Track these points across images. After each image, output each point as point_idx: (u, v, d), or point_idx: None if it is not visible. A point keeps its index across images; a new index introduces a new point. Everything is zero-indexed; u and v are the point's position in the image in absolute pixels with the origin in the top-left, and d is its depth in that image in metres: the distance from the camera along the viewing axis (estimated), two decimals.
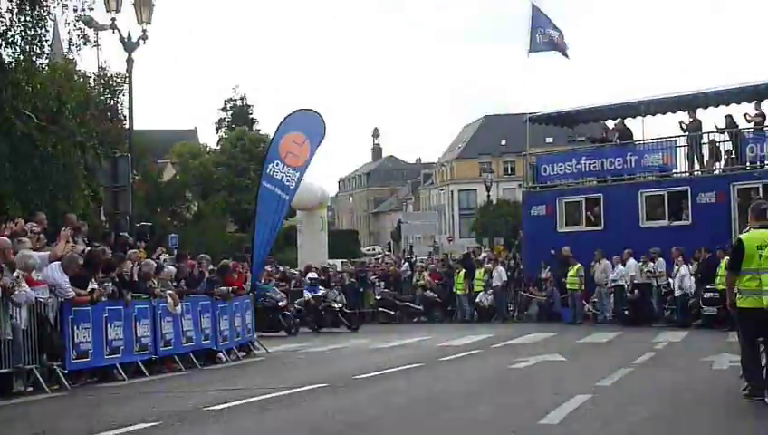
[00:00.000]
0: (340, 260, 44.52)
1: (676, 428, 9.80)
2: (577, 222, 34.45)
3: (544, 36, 34.83)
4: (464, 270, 34.85)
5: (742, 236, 11.62)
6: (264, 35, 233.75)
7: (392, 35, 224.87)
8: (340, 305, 30.84)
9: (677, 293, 27.81)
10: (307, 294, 31.21)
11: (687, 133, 32.27)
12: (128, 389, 14.90)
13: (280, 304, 28.56)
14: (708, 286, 26.36)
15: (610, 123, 36.26)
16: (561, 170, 35.49)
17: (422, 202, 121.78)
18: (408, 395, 13.22)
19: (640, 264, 29.00)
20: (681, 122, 32.75)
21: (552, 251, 31.69)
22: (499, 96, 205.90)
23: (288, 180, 23.25)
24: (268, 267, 36.46)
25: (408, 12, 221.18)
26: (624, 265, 29.60)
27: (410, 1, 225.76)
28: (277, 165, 23.18)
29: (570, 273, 30.73)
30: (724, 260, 20.14)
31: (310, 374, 16.29)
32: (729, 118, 31.65)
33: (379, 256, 56.74)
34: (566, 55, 35.25)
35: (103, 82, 32.84)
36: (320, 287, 31.54)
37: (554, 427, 9.83)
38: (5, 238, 14.76)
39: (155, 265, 19.01)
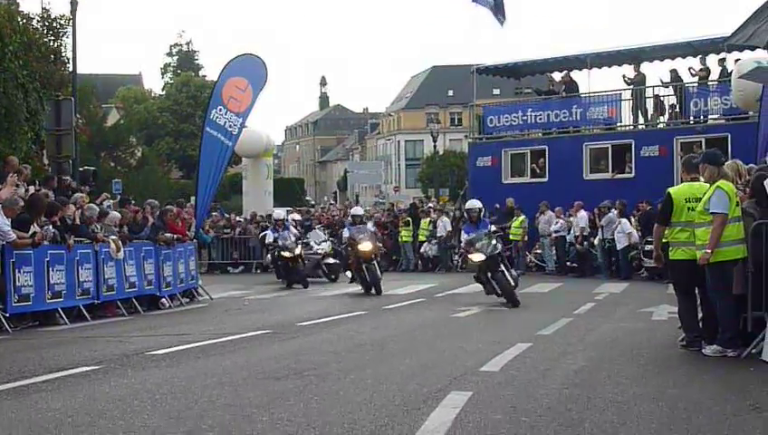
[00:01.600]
0: (285, 208, 44.41)
1: (612, 376, 9.97)
2: (522, 174, 34.70)
3: None
4: (409, 220, 34.98)
5: (670, 190, 11.78)
6: None
7: None
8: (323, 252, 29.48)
9: (619, 246, 28.14)
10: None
11: (632, 87, 32.52)
12: (69, 333, 14.82)
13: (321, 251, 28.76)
14: (649, 239, 26.69)
15: (557, 76, 36.43)
16: (506, 122, 35.67)
17: (368, 152, 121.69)
18: (350, 342, 13.30)
19: (590, 215, 29.23)
20: (624, 76, 32.98)
21: (497, 205, 31.87)
22: (448, 47, 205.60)
23: (231, 126, 23.15)
24: (215, 214, 36.40)
25: None
26: (573, 216, 29.88)
27: None
28: (220, 110, 23.06)
29: (514, 224, 30.95)
30: None
31: (253, 321, 16.33)
32: (674, 72, 31.93)
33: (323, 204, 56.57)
34: (500, 21, 35.00)
35: (46, 24, 32.21)
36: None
37: (495, 374, 9.96)
38: None
39: (98, 209, 18.85)
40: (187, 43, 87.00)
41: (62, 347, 12.87)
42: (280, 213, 29.11)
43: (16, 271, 15.12)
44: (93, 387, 9.29)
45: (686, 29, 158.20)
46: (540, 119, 34.71)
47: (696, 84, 31.29)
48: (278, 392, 8.84)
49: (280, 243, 26.72)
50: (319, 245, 29.36)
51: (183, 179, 68.00)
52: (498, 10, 34.71)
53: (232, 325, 15.71)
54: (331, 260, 29.06)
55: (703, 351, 11.24)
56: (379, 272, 22.92)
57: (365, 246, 22.78)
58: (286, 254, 26.48)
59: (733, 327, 11.07)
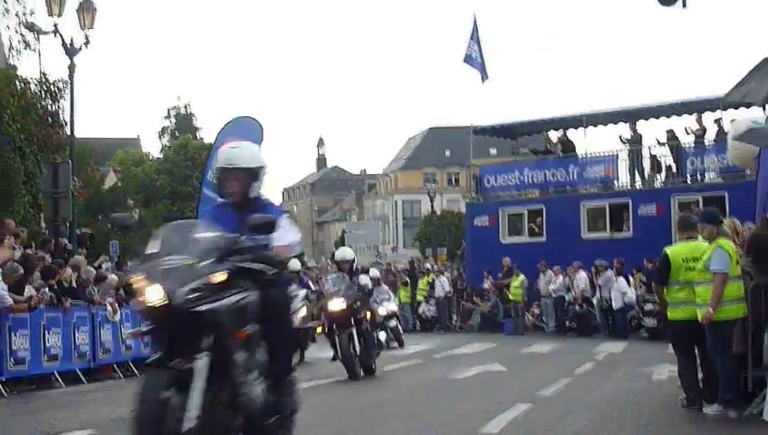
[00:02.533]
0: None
1: None
2: (520, 233, 34.70)
3: (475, 52, 35.17)
4: (407, 280, 34.93)
5: (667, 250, 11.77)
6: (208, 43, 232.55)
7: (337, 46, 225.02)
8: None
9: (615, 305, 28.07)
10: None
11: (629, 146, 32.66)
12: (65, 397, 14.71)
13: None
14: (648, 298, 26.63)
15: (553, 135, 36.59)
16: (504, 182, 35.74)
17: (366, 212, 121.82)
18: (348, 404, 13.19)
19: (589, 275, 29.18)
20: (621, 136, 33.15)
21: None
22: (444, 108, 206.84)
23: None
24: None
25: (353, 23, 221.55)
26: (570, 278, 29.83)
27: (355, 13, 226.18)
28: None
29: (513, 284, 30.90)
30: None
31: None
32: (671, 132, 32.08)
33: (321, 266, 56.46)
34: (482, 78, 35.53)
35: (45, 87, 32.36)
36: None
37: None
38: None
39: (94, 272, 18.82)
40: (185, 106, 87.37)
41: (57, 411, 12.76)
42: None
43: (12, 334, 15.06)
44: None
45: (683, 89, 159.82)
46: (537, 178, 34.78)
47: (692, 143, 31.41)
48: None
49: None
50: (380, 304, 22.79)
51: None
52: (481, 68, 35.22)
53: None
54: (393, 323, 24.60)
55: (704, 410, 11.15)
56: (356, 343, 16.78)
57: (334, 303, 16.95)
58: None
59: (733, 387, 10.99)
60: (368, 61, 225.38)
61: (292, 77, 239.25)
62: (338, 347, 16.78)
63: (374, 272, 23.80)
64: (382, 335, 20.63)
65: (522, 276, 30.86)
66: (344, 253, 18.55)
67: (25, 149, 27.47)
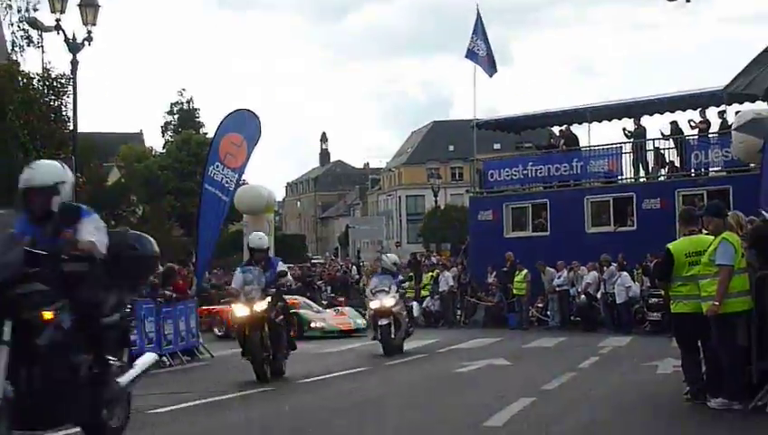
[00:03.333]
0: (287, 265, 44.31)
1: (617, 430, 9.87)
2: (524, 227, 34.64)
3: (478, 47, 35.04)
4: (411, 275, 34.89)
5: (669, 246, 11.74)
6: (211, 38, 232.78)
7: (341, 41, 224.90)
8: None
9: (619, 299, 28.05)
10: None
11: (632, 140, 32.61)
12: None
13: None
14: (653, 292, 26.61)
15: (557, 130, 36.53)
16: (507, 176, 35.67)
17: (370, 207, 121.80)
18: (353, 398, 13.19)
19: (595, 272, 29.14)
20: (625, 129, 33.08)
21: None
22: (449, 103, 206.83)
23: (227, 182, 23.28)
24: (216, 271, 36.31)
25: (356, 17, 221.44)
26: (575, 272, 29.83)
27: (358, 7, 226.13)
28: (217, 167, 23.19)
29: (516, 278, 30.86)
30: None
31: (254, 378, 16.16)
32: (674, 124, 32.01)
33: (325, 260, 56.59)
34: (489, 74, 35.32)
35: (47, 83, 32.40)
36: None
37: (498, 429, 9.85)
38: None
39: None
40: (188, 102, 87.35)
41: None
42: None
43: None
44: None
45: (687, 83, 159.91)
46: (540, 173, 34.72)
47: (696, 137, 31.34)
48: None
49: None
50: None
51: (184, 237, 67.89)
52: (489, 61, 35.01)
53: (232, 383, 15.56)
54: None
55: (708, 404, 11.12)
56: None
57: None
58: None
59: (738, 379, 10.96)
60: (371, 54, 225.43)
61: (295, 71, 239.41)
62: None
63: (392, 257, 23.58)
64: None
65: (525, 271, 30.82)
66: (259, 240, 16.64)
67: (28, 144, 27.53)
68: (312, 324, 28.94)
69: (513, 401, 11.86)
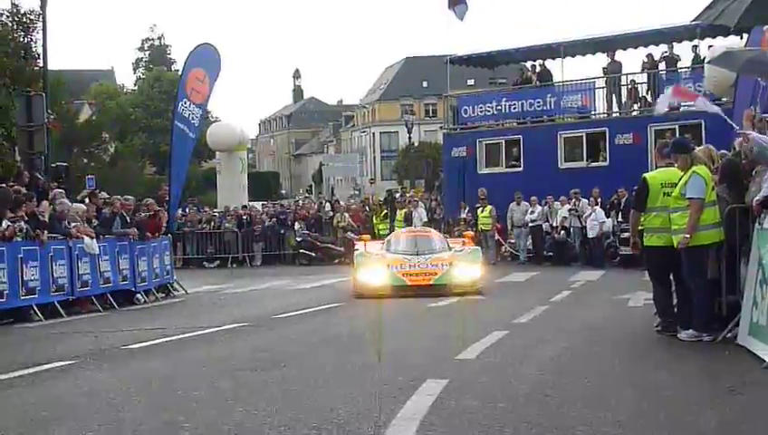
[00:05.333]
0: (260, 202, 44.28)
1: (588, 361, 10.00)
2: (497, 163, 34.70)
3: None
4: (384, 211, 34.91)
5: (646, 175, 11.82)
6: None
7: None
8: None
9: (591, 234, 28.25)
10: None
11: (606, 75, 32.61)
12: (44, 329, 14.72)
13: None
14: (625, 226, 26.78)
15: (530, 65, 36.43)
16: (481, 112, 35.64)
17: (344, 144, 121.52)
18: (326, 333, 13.28)
19: (569, 206, 29.27)
20: (604, 68, 33.05)
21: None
22: (422, 38, 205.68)
23: (193, 118, 23.26)
24: (190, 209, 36.25)
25: None
26: (550, 207, 29.96)
27: None
28: (185, 103, 23.19)
29: (482, 214, 30.92)
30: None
31: (229, 314, 16.25)
32: (650, 57, 32.02)
33: (300, 198, 56.50)
34: (459, 17, 34.77)
35: (16, 19, 31.97)
36: None
37: (471, 361, 9.95)
38: None
39: (71, 204, 18.72)
40: (159, 38, 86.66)
41: (36, 343, 12.80)
42: None
43: None
44: (68, 381, 9.22)
45: (661, 17, 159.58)
46: (514, 108, 34.71)
47: (667, 71, 31.37)
48: (254, 384, 8.80)
49: None
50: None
51: (156, 175, 67.64)
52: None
53: (208, 319, 15.63)
54: None
55: (678, 336, 11.26)
56: None
57: None
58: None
59: (708, 312, 11.10)
60: None
61: (267, 6, 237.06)
62: None
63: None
64: None
65: (490, 206, 30.81)
66: None
67: None
68: None
69: (485, 335, 11.97)
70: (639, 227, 11.89)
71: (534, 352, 10.69)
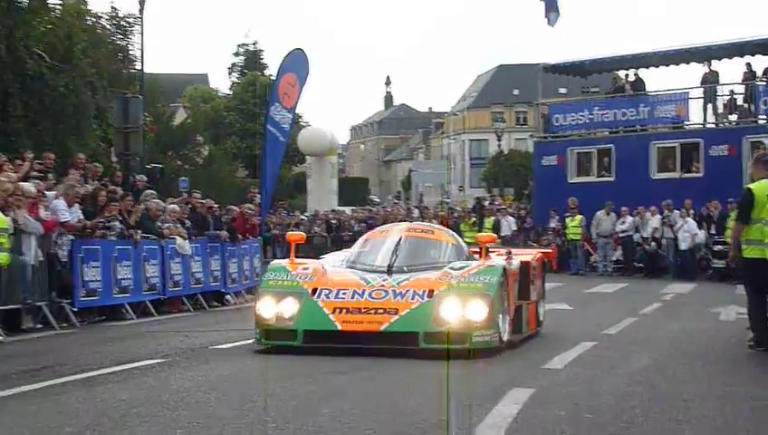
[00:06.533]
0: (349, 207, 44.55)
1: (677, 375, 9.85)
2: (588, 173, 34.38)
3: None
4: (473, 219, 34.84)
5: (751, 186, 11.58)
6: None
7: None
8: None
9: (683, 246, 27.85)
10: None
11: (702, 85, 32.13)
12: (135, 328, 15.00)
13: None
14: (718, 239, 26.37)
15: (623, 74, 36.07)
16: (573, 121, 35.37)
17: (433, 151, 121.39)
18: None
19: (662, 217, 28.90)
20: (703, 76, 32.56)
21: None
22: (513, 47, 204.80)
23: (284, 122, 23.55)
24: (280, 212, 36.63)
25: None
26: (641, 217, 29.62)
27: None
28: (277, 108, 23.48)
29: (572, 223, 30.72)
30: (734, 213, 20.19)
31: None
32: (748, 66, 31.47)
33: (386, 204, 56.77)
34: (550, 20, 34.82)
35: (115, 22, 32.71)
36: None
37: (558, 371, 9.89)
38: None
39: (164, 205, 19.05)
40: (254, 43, 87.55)
41: (128, 341, 13.03)
42: None
43: (84, 266, 15.33)
44: (158, 379, 9.38)
45: (756, 28, 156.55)
46: (606, 117, 34.37)
47: (765, 82, 30.80)
48: (340, 386, 8.85)
49: None
50: None
51: (249, 178, 68.37)
52: (551, 7, 34.47)
53: None
54: None
55: None
56: None
57: None
58: None
59: None
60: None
61: (360, 13, 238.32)
62: None
63: None
64: None
65: (580, 216, 30.61)
66: None
67: (96, 83, 27.82)
68: None
69: (573, 345, 11.88)
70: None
71: (622, 364, 10.57)
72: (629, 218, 29.90)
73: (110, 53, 31.05)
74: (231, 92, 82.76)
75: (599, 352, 11.49)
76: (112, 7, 33.10)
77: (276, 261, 13.32)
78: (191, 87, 79.94)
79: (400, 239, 12.19)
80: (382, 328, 10.76)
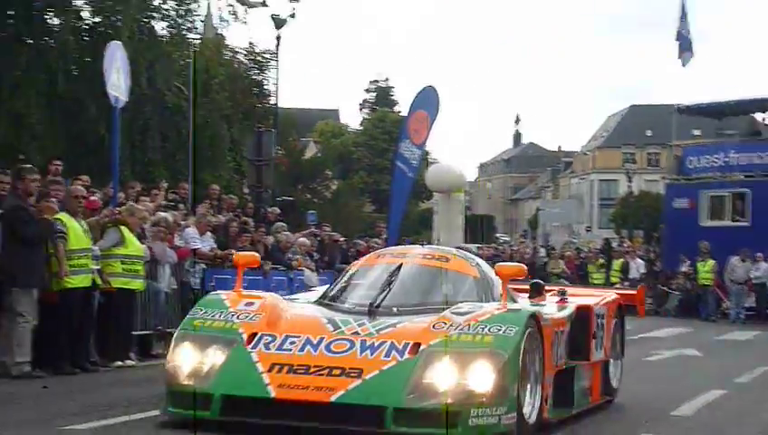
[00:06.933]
0: (475, 245, 44.46)
1: None
2: (721, 217, 33.67)
3: (684, 28, 34.32)
4: (601, 260, 34.40)
5: None
6: (410, 17, 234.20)
7: (537, 23, 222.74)
8: None
9: None
10: None
11: None
12: None
13: None
14: None
15: (761, 117, 35.32)
16: (707, 163, 34.73)
17: (561, 191, 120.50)
18: None
19: None
20: None
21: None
22: (643, 85, 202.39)
23: (413, 159, 23.68)
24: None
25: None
26: None
27: None
28: (406, 143, 23.64)
29: (703, 268, 30.10)
30: None
31: None
32: None
33: (514, 242, 56.49)
34: (682, 61, 34.48)
35: (252, 57, 33.51)
36: None
37: (687, 418, 9.70)
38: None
39: (294, 237, 19.37)
40: (385, 80, 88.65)
41: None
42: None
43: None
44: None
45: None
46: (742, 161, 33.68)
47: None
48: None
49: None
50: None
51: (375, 213, 68.97)
52: (685, 47, 34.16)
53: None
54: None
55: None
56: None
57: None
58: None
59: None
60: (567, 36, 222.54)
61: (490, 52, 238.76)
62: None
63: None
64: None
65: (711, 261, 29.97)
66: None
67: (232, 116, 28.49)
68: None
69: (703, 392, 11.63)
70: None
71: (753, 414, 10.33)
72: (764, 265, 29.15)
73: (246, 88, 31.77)
74: (361, 128, 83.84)
75: (729, 401, 11.23)
76: (250, 43, 33.89)
77: (216, 292, 9.33)
78: (322, 122, 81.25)
79: (399, 267, 8.87)
80: (333, 398, 7.39)
